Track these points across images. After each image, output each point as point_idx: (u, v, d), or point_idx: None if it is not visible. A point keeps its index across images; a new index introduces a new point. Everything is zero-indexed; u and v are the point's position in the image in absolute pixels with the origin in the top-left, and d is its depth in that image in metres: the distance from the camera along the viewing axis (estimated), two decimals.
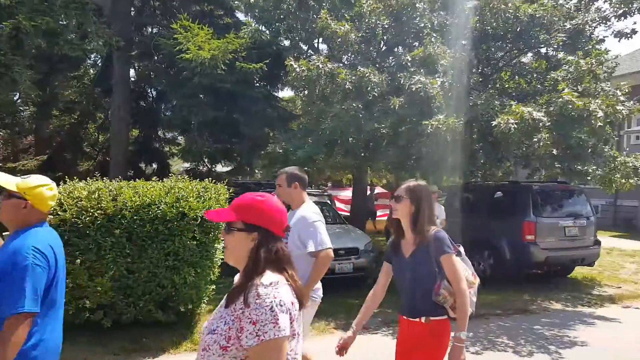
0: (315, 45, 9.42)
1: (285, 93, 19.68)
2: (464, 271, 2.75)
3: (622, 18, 9.27)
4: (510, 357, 5.31)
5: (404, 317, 2.80)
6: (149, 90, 14.53)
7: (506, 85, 9.23)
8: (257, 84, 10.48)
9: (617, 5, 9.13)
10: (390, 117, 7.26)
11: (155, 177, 6.16)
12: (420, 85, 6.95)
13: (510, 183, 9.27)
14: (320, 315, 6.47)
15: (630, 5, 9.02)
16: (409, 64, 7.36)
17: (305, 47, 9.76)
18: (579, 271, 9.87)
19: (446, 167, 8.40)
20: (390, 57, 7.76)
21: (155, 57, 11.53)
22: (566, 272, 9.68)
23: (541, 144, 6.76)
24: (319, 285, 3.61)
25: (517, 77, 9.04)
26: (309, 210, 3.52)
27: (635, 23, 10.99)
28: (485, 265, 9.02)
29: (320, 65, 7.01)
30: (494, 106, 6.97)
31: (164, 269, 5.11)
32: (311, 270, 3.39)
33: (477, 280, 2.86)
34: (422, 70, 7.24)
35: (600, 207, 20.90)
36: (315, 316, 6.51)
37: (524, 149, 7.64)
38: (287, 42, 9.98)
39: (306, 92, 7.44)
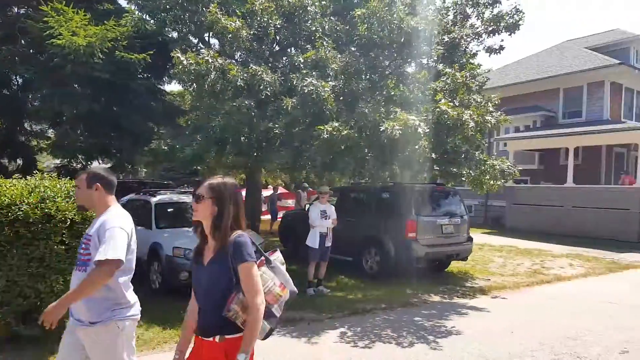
0: (206, 39, 9.08)
1: (174, 87, 18.78)
2: (269, 282, 2.45)
3: (492, 35, 10.32)
4: (393, 349, 5.54)
5: (197, 336, 2.45)
6: (14, 78, 12.90)
7: (392, 93, 9.72)
8: (141, 76, 9.81)
9: (488, 23, 10.13)
10: (283, 117, 7.23)
11: (18, 175, 5.44)
12: (312, 88, 7.03)
13: (395, 184, 9.77)
14: None
15: (498, 24, 10.07)
16: (302, 65, 7.40)
17: (195, 40, 9.36)
18: (455, 265, 10.72)
19: (338, 169, 8.63)
20: (284, 58, 7.75)
21: (22, 41, 10.28)
22: (443, 266, 10.45)
23: (422, 149, 7.22)
24: (134, 299, 3.03)
25: (401, 85, 9.57)
26: (112, 214, 2.99)
27: (502, 40, 12.39)
28: (372, 263, 9.41)
29: (210, 60, 6.76)
30: (380, 113, 7.28)
31: (26, 276, 4.54)
32: (82, 280, 2.77)
33: (285, 294, 2.51)
34: (314, 72, 7.33)
35: (474, 206, 23.13)
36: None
37: (408, 153, 8.10)
38: (175, 34, 9.50)
39: (195, 87, 7.13)
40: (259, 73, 6.86)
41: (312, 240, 8.04)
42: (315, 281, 8.16)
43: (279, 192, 18.65)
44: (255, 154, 8.00)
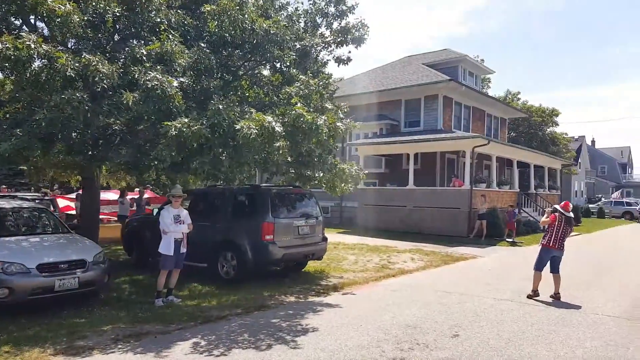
0: (32, 22, 7.92)
1: None
2: None
3: (340, 46, 10.82)
4: (251, 353, 5.38)
5: None
6: None
7: (247, 94, 9.60)
8: None
9: (336, 35, 10.60)
10: (124, 113, 6.61)
11: None
12: (156, 83, 6.55)
13: (251, 186, 9.63)
14: (35, 341, 5.47)
15: (346, 36, 10.59)
16: (144, 58, 6.86)
17: (18, 23, 8.11)
18: (311, 265, 10.95)
19: (191, 169, 8.18)
20: (127, 49, 7.09)
21: None
22: (301, 266, 10.60)
23: (280, 151, 7.21)
24: None
25: (256, 87, 9.49)
26: None
27: (350, 52, 13.13)
28: (228, 267, 9.13)
29: (33, 46, 5.88)
30: (235, 112, 7.08)
31: None
32: None
33: None
34: (158, 66, 6.85)
35: (330, 208, 24.16)
36: (25, 343, 5.44)
37: (264, 155, 8.03)
38: None
39: (14, 75, 6.14)
40: (94, 63, 6.16)
41: (166, 247, 7.49)
42: (164, 291, 7.61)
43: (146, 195, 16.95)
44: (90, 153, 7.18)
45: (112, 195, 18.70)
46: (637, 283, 9.98)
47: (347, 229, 20.89)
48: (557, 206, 8.77)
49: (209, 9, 7.66)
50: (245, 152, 7.30)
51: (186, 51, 7.27)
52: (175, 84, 6.71)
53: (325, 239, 10.44)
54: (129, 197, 16.54)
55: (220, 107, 6.66)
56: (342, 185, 10.30)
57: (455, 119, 24.74)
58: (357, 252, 13.87)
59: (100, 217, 17.63)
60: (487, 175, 22.83)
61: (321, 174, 9.69)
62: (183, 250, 7.65)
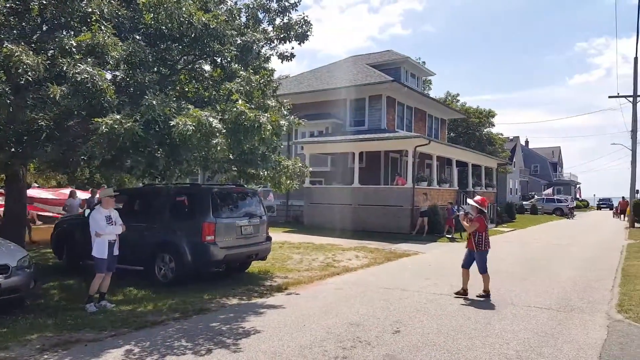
0: None
1: None
2: None
3: (283, 42, 10.69)
4: (190, 359, 5.17)
5: None
6: None
7: (186, 89, 9.27)
8: None
9: (279, 30, 10.46)
10: (50, 107, 6.17)
11: None
12: (87, 76, 6.16)
13: (190, 185, 9.33)
14: None
15: (289, 32, 10.47)
16: (74, 50, 6.44)
17: None
18: (255, 265, 10.77)
19: (125, 168, 7.79)
20: (57, 39, 6.62)
21: None
22: (244, 267, 10.40)
23: (218, 148, 6.99)
24: None
25: (195, 82, 9.18)
26: None
27: (293, 48, 12.92)
28: (167, 270, 8.79)
29: None
30: (171, 108, 6.80)
31: None
32: None
33: None
34: (89, 59, 6.45)
35: (276, 206, 23.94)
36: None
37: (204, 152, 7.78)
38: None
39: None
40: (17, 54, 5.70)
41: (100, 250, 7.12)
42: (97, 296, 7.21)
43: (98, 195, 15.86)
44: (12, 150, 6.65)
45: (45, 194, 17.49)
46: (567, 276, 10.56)
47: (292, 228, 20.81)
48: (471, 202, 8.52)
49: (144, 0, 7.31)
50: (183, 150, 7.03)
51: (120, 43, 6.89)
52: (107, 77, 6.34)
53: (269, 239, 10.30)
54: (80, 196, 15.56)
55: (155, 102, 6.35)
56: (288, 182, 10.21)
57: (398, 119, 25.27)
58: (302, 251, 13.82)
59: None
60: (428, 174, 23.50)
61: (265, 172, 9.55)
62: (116, 252, 7.34)
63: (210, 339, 5.88)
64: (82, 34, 6.64)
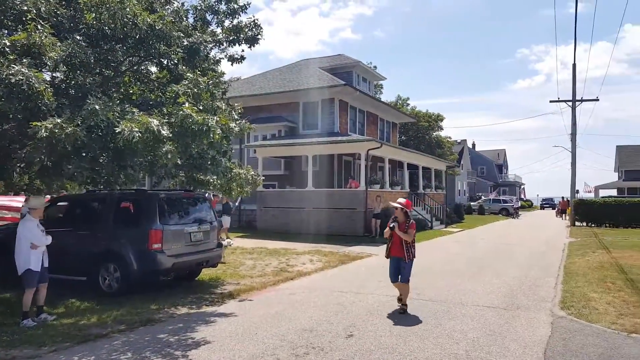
0: None
1: None
2: None
3: (233, 45, 10.52)
4: None
5: None
6: None
7: (130, 91, 8.94)
8: None
9: (228, 33, 10.29)
10: None
11: None
12: (22, 77, 5.81)
13: (136, 191, 8.99)
14: None
15: (238, 35, 10.32)
16: (8, 50, 6.06)
17: None
18: (206, 272, 10.51)
19: (67, 174, 7.41)
20: None
21: None
22: (194, 275, 10.12)
23: (169, 156, 6.79)
24: None
25: (140, 84, 8.87)
26: None
27: (243, 51, 12.63)
28: (111, 280, 8.42)
29: None
30: (114, 112, 6.51)
31: None
32: None
33: None
34: (25, 60, 6.09)
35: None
36: None
37: (150, 157, 7.52)
38: None
39: None
40: None
41: (35, 263, 6.78)
42: (34, 309, 6.80)
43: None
44: None
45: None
46: (513, 274, 10.95)
47: (246, 233, 20.54)
48: (397, 204, 7.60)
49: None
50: (128, 155, 6.76)
51: (58, 44, 6.55)
52: (43, 78, 6.00)
53: (220, 245, 10.09)
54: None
55: (97, 107, 6.07)
56: (239, 189, 10.04)
57: (351, 123, 25.52)
58: (255, 256, 13.63)
59: None
60: (380, 177, 23.85)
61: (215, 178, 9.34)
62: (46, 263, 7.08)
63: (158, 351, 5.66)
64: (17, 33, 6.26)
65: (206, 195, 10.93)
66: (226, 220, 17.55)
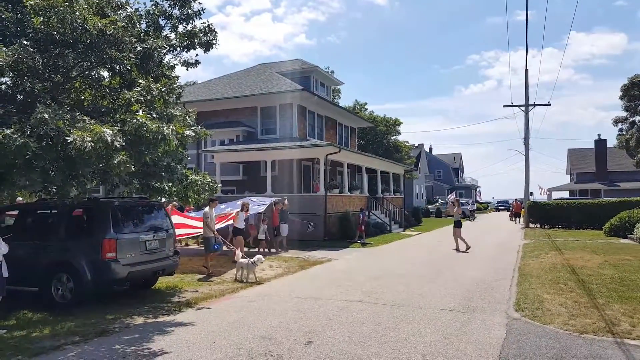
0: None
1: None
2: None
3: (187, 50, 10.40)
4: None
5: None
6: None
7: (82, 97, 8.68)
8: None
9: (182, 38, 10.17)
10: None
11: None
12: None
13: (89, 200, 8.72)
14: None
15: (193, 40, 10.21)
16: None
17: None
18: (163, 281, 10.30)
19: (18, 186, 7.12)
20: None
21: None
22: (150, 284, 9.89)
23: (122, 168, 6.64)
24: None
25: (91, 90, 8.62)
26: None
27: (198, 55, 12.49)
28: (64, 291, 8.14)
29: None
30: (64, 120, 6.31)
31: None
32: None
33: None
34: None
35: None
36: None
37: (102, 166, 7.32)
38: None
39: None
40: None
41: None
42: None
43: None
44: None
45: None
46: (470, 277, 11.25)
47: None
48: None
49: (32, 2, 6.73)
50: (80, 164, 6.57)
51: (4, 49, 6.29)
52: None
53: (177, 253, 9.91)
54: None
55: (47, 115, 5.86)
56: (196, 196, 9.90)
57: (309, 128, 25.61)
58: (213, 263, 13.43)
59: None
60: (340, 181, 24.05)
61: (170, 185, 9.18)
62: (6, 274, 6.81)
63: None
64: None
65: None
66: (284, 229, 17.26)
